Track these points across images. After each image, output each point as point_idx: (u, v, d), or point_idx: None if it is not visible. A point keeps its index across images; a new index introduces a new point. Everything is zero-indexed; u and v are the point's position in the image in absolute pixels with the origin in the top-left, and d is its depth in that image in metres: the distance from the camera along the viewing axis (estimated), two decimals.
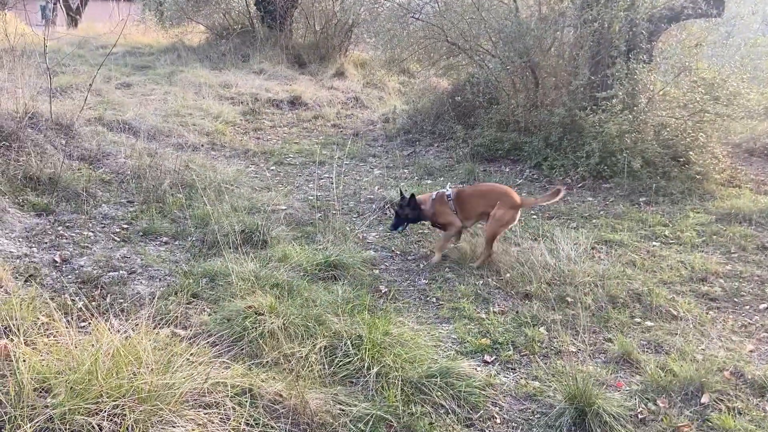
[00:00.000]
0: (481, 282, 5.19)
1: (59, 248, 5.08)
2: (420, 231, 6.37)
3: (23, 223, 5.39)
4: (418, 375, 3.59)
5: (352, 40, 15.86)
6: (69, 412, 2.66)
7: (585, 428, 3.31)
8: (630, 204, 7.29)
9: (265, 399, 3.08)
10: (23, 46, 8.39)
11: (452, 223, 5.69)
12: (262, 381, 3.21)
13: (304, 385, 3.24)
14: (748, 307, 4.93)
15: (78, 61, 13.16)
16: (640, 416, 3.45)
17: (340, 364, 3.63)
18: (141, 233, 5.67)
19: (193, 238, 5.58)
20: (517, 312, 4.67)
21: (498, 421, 3.41)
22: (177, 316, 3.93)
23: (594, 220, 6.78)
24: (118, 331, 3.11)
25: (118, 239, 5.50)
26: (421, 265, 5.57)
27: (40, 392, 2.77)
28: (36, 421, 2.60)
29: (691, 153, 7.75)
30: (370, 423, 3.17)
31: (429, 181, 8.02)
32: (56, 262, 4.81)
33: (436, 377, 3.59)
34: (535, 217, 6.88)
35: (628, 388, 3.73)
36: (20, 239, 5.10)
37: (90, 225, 5.68)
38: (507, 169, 8.65)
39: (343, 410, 3.22)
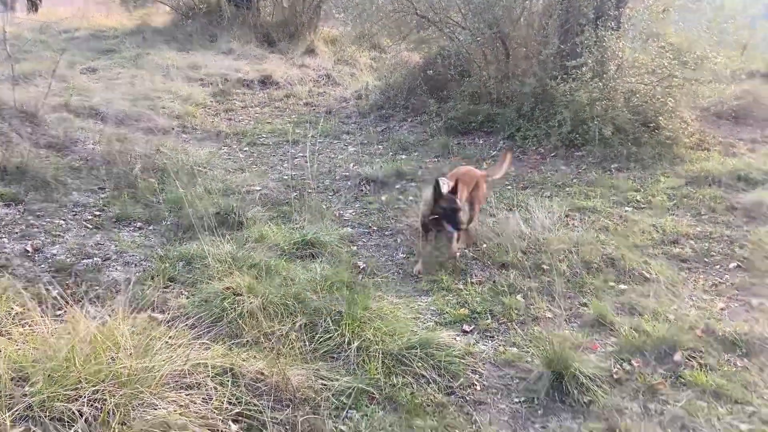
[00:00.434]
0: (458, 254, 5.24)
1: (30, 237, 4.99)
2: (396, 206, 6.38)
3: None
4: (399, 347, 3.63)
5: (321, 16, 15.62)
6: (48, 399, 2.64)
7: (562, 390, 3.39)
8: (602, 171, 7.37)
9: (246, 378, 3.09)
10: None
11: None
12: (243, 360, 3.22)
13: (285, 362, 3.26)
14: (718, 266, 5.05)
15: (40, 46, 12.77)
16: (615, 376, 3.54)
17: (321, 340, 3.65)
18: (114, 219, 5.60)
19: (168, 223, 5.53)
20: (494, 282, 4.73)
21: (478, 388, 3.47)
22: (154, 301, 3.91)
23: (567, 188, 6.85)
24: (95, 317, 3.08)
25: (91, 226, 5.42)
26: (399, 240, 5.59)
27: (18, 381, 2.75)
28: (14, 410, 2.59)
29: (660, 118, 7.83)
30: (352, 396, 3.21)
31: (403, 156, 8.02)
32: (28, 251, 4.73)
33: (417, 348, 3.64)
34: (509, 187, 6.93)
35: (603, 350, 3.82)
36: None
37: (61, 213, 5.59)
38: (481, 141, 8.67)
39: (325, 385, 3.25)
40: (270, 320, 3.67)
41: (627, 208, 6.28)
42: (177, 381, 2.78)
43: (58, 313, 3.63)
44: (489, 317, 4.23)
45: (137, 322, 3.22)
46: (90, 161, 6.85)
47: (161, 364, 2.83)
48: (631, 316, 4.18)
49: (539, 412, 3.28)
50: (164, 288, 4.19)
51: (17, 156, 6.08)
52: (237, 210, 5.50)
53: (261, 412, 2.92)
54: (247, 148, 8.37)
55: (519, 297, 4.49)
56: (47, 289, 3.98)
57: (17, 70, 8.22)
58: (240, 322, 3.63)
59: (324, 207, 6.13)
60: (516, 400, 3.38)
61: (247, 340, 3.47)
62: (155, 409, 2.57)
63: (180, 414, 2.56)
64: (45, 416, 2.57)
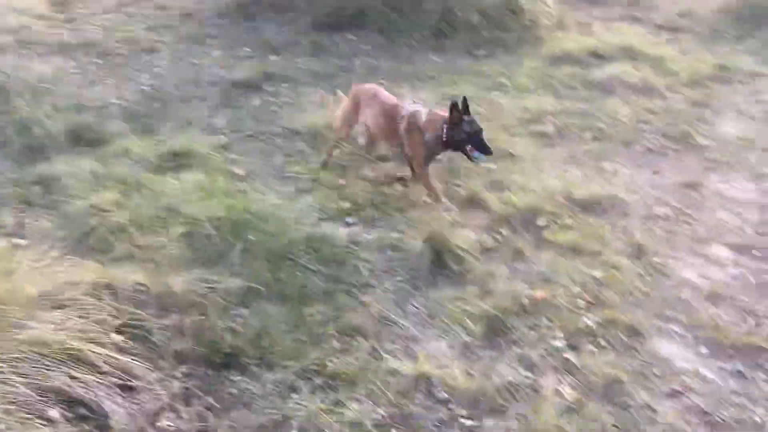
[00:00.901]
0: (337, 151, 5.23)
1: None
2: (270, 109, 6.18)
3: None
4: (283, 245, 3.66)
5: None
6: None
7: (442, 265, 3.59)
8: (470, 58, 7.51)
9: (126, 291, 3.00)
10: None
11: None
12: (120, 275, 3.11)
13: (165, 271, 3.19)
14: (576, 139, 5.43)
15: None
16: (487, 246, 3.80)
17: (202, 247, 3.59)
18: None
19: (17, 145, 5.02)
20: (374, 175, 4.81)
21: (364, 273, 3.60)
22: (13, 227, 3.62)
23: (438, 78, 6.95)
24: None
25: None
26: (276, 143, 5.48)
27: None
28: None
29: (522, 1, 8.02)
30: (240, 295, 3.23)
31: (273, 58, 7.69)
32: None
33: (301, 244, 3.68)
34: (383, 81, 6.91)
35: (477, 225, 4.06)
36: None
37: None
38: (353, 37, 8.46)
39: (211, 288, 3.23)
40: (144, 233, 3.54)
41: (495, 93, 6.49)
42: (50, 300, 2.64)
43: None
44: (371, 207, 4.33)
45: None
46: None
47: (30, 284, 2.66)
48: (500, 192, 4.43)
49: (422, 286, 3.47)
50: (22, 213, 3.87)
51: None
52: (94, 126, 5.09)
53: (146, 321, 2.87)
54: (98, 60, 7.63)
55: (398, 185, 4.61)
56: None
57: None
58: (110, 237, 3.46)
59: (191, 116, 5.82)
60: (400, 278, 3.55)
61: (121, 255, 3.34)
62: (30, 329, 2.44)
63: (57, 330, 2.46)
64: None
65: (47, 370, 2.38)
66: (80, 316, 2.60)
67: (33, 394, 2.28)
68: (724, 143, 5.32)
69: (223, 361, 2.79)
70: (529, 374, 2.79)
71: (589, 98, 6.24)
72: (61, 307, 2.62)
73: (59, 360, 2.43)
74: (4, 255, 2.96)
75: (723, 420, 2.56)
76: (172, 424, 2.44)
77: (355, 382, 2.73)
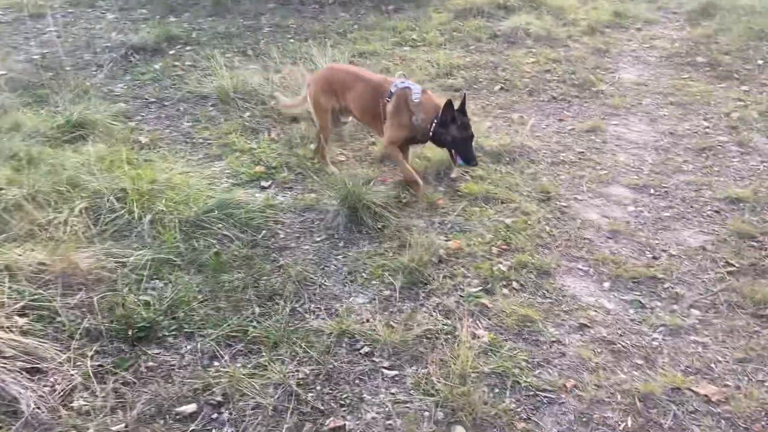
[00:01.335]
0: (247, 114, 5.09)
1: None
2: (173, 74, 5.91)
3: None
4: (195, 213, 3.55)
5: None
6: None
7: (359, 222, 3.61)
8: (380, 14, 7.45)
9: (25, 271, 2.84)
10: None
11: None
12: (18, 255, 2.93)
13: (68, 248, 3.03)
14: (485, 90, 5.54)
15: None
16: (403, 201, 3.84)
17: (107, 221, 3.43)
18: None
19: None
20: (287, 136, 4.72)
21: (281, 235, 3.57)
22: None
23: (348, 35, 6.85)
24: None
25: None
26: (182, 109, 5.26)
27: None
28: None
29: None
30: (152, 267, 3.12)
31: (173, 19, 7.32)
32: None
33: (215, 211, 3.59)
34: (291, 40, 6.74)
35: (393, 180, 4.09)
36: None
37: None
38: None
39: (120, 262, 3.10)
40: (42, 210, 3.33)
41: (405, 48, 6.49)
42: None
43: None
44: (285, 170, 4.26)
45: None
46: None
47: None
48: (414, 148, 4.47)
49: (340, 244, 3.48)
50: None
51: None
52: None
53: (50, 301, 2.73)
54: None
55: (312, 146, 4.55)
56: None
57: None
58: (5, 216, 3.24)
59: (88, 84, 5.48)
60: (318, 239, 3.54)
61: (19, 234, 3.14)
62: None
63: None
64: None
65: None
66: None
67: None
68: (622, 89, 5.57)
69: (137, 335, 2.70)
70: (447, 321, 2.88)
71: (496, 50, 6.36)
72: None
73: None
74: None
75: (625, 347, 2.75)
76: (86, 404, 2.36)
77: (278, 344, 2.73)
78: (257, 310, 2.94)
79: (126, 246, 3.26)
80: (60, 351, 2.58)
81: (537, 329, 2.84)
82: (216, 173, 4.21)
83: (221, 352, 2.67)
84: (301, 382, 2.54)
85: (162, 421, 2.34)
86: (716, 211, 3.75)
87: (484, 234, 3.51)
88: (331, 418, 2.38)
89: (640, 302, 3.03)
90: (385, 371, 2.62)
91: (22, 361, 2.44)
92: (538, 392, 2.51)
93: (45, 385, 2.43)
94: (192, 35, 6.82)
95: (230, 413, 2.40)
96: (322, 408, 2.43)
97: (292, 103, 4.57)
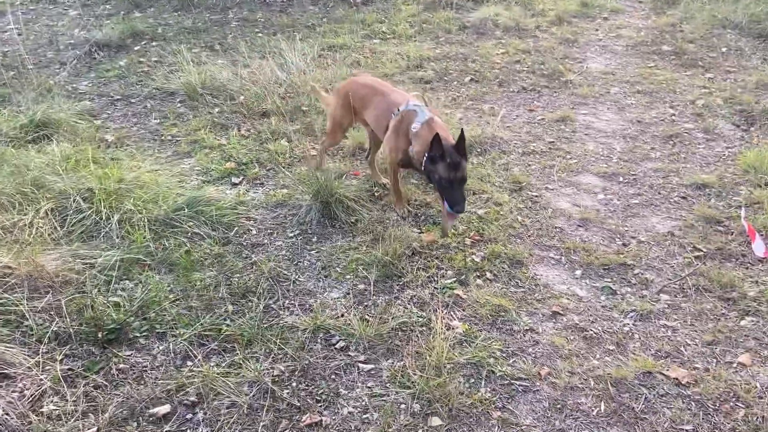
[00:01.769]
0: (216, 110, 5.03)
1: None
2: (139, 70, 5.80)
3: None
4: (165, 211, 3.50)
5: None
6: None
7: (332, 216, 3.59)
8: (348, 7, 7.41)
9: None
10: None
11: None
12: None
13: (34, 250, 2.96)
14: (455, 82, 5.55)
15: None
16: (376, 194, 3.84)
17: (74, 222, 3.35)
18: None
19: None
20: (258, 131, 4.68)
21: (254, 232, 3.53)
22: None
23: (317, 29, 6.80)
24: None
25: None
26: (149, 106, 5.17)
27: None
28: None
29: None
30: (121, 268, 3.07)
31: (138, 14, 7.19)
32: None
33: (185, 209, 3.54)
34: (260, 34, 6.67)
35: (364, 174, 4.08)
36: None
37: None
38: None
39: (88, 263, 3.04)
40: (6, 212, 3.25)
41: (375, 41, 6.47)
42: None
43: None
44: (256, 166, 4.22)
45: None
46: None
47: None
48: None
49: (314, 239, 3.46)
50: None
51: None
52: None
53: (17, 305, 2.67)
54: None
55: (283, 141, 4.52)
56: None
57: None
58: None
59: (51, 82, 5.36)
60: (291, 234, 3.51)
61: None
62: None
63: None
64: None
65: None
66: None
67: None
68: (590, 78, 5.64)
69: (108, 337, 2.65)
70: (422, 313, 2.88)
71: (465, 41, 6.37)
72: None
73: None
74: None
75: (597, 333, 2.79)
76: (57, 408, 2.32)
77: (252, 342, 2.71)
78: (230, 308, 2.91)
79: (94, 247, 3.19)
80: (28, 356, 2.52)
81: (511, 318, 2.87)
82: (185, 170, 4.15)
83: (194, 352, 2.63)
84: (277, 379, 2.52)
85: (135, 424, 2.31)
86: (683, 197, 3.82)
87: (457, 225, 3.52)
88: (308, 414, 2.37)
89: (611, 289, 3.07)
90: (361, 365, 2.62)
91: None
92: (513, 381, 2.54)
93: (13, 391, 2.38)
94: (158, 31, 6.71)
95: (205, 413, 2.37)
96: (298, 404, 2.42)
97: (325, 98, 4.16)
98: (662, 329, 2.81)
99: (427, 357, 2.58)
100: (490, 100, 5.22)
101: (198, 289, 3.00)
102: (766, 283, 3.03)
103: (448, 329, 2.76)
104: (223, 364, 2.59)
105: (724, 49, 6.06)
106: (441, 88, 5.41)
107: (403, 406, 2.41)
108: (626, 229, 3.54)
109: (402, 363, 2.61)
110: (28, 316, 2.66)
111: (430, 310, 2.90)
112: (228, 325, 2.78)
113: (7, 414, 2.26)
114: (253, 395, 2.45)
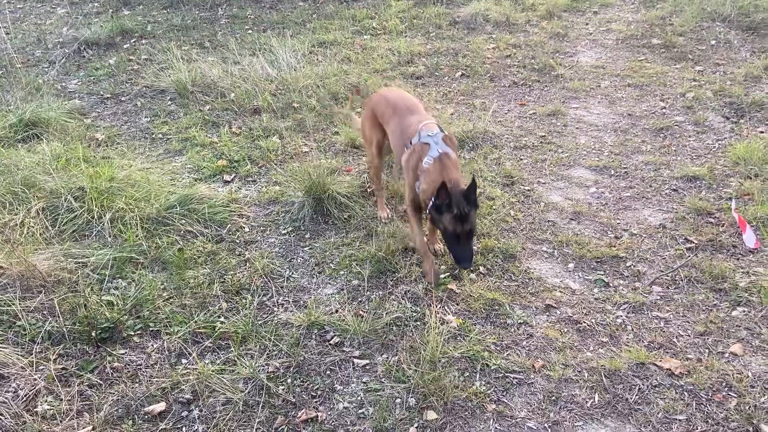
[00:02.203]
0: (207, 107, 5.01)
1: None
2: (129, 68, 5.77)
3: None
4: (157, 210, 3.48)
5: None
6: None
7: (324, 213, 3.59)
8: (339, 3, 7.39)
9: None
10: None
11: None
12: None
13: (26, 250, 2.95)
14: (447, 78, 5.55)
15: None
16: (369, 189, 3.83)
17: (65, 221, 3.34)
18: None
19: None
20: (249, 129, 4.66)
21: (246, 229, 3.53)
22: None
23: (308, 25, 6.79)
24: None
25: None
26: (139, 104, 5.15)
27: None
28: None
29: None
30: (114, 266, 3.05)
31: (127, 12, 7.14)
32: None
33: (177, 207, 3.53)
34: (250, 32, 6.64)
35: (357, 170, 4.08)
36: None
37: None
38: None
39: (80, 263, 3.03)
40: None
41: (365, 37, 6.46)
42: None
43: None
44: (248, 163, 4.21)
45: None
46: None
47: None
48: None
49: (307, 236, 3.46)
50: None
51: None
52: None
53: (9, 305, 2.65)
54: None
55: (275, 138, 4.51)
56: None
57: None
58: None
59: (40, 81, 5.32)
60: (284, 231, 3.51)
61: None
62: None
63: None
64: None
65: None
66: None
67: None
68: (581, 72, 5.65)
69: (101, 336, 2.64)
70: (416, 308, 2.89)
71: (456, 37, 6.37)
72: None
73: None
74: None
75: (590, 325, 2.81)
76: (51, 408, 2.31)
77: (247, 338, 2.70)
78: (224, 305, 2.90)
79: (86, 246, 3.18)
80: (22, 355, 2.51)
81: (504, 312, 2.88)
82: (177, 168, 4.14)
83: (189, 350, 2.63)
84: (272, 376, 2.52)
85: (131, 422, 2.30)
86: (674, 190, 3.84)
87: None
88: (303, 410, 2.38)
89: (604, 281, 3.09)
90: (356, 360, 2.62)
91: None
92: (507, 374, 2.55)
93: (7, 391, 2.37)
94: (147, 28, 6.67)
95: (200, 410, 2.37)
96: (294, 400, 2.42)
97: (356, 121, 3.92)
98: (655, 321, 2.83)
99: (422, 351, 2.59)
100: (481, 95, 5.22)
101: (191, 287, 2.99)
102: (757, 274, 3.05)
103: (442, 323, 2.77)
104: (218, 362, 2.58)
105: (713, 42, 6.09)
106: (432, 84, 5.41)
107: (398, 400, 2.42)
108: (618, 221, 3.56)
109: (397, 358, 2.61)
110: (20, 316, 2.65)
111: (424, 305, 2.90)
112: (222, 323, 2.78)
113: (1, 414, 2.25)
114: (249, 392, 2.44)
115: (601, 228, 3.51)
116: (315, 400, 2.43)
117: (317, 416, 2.35)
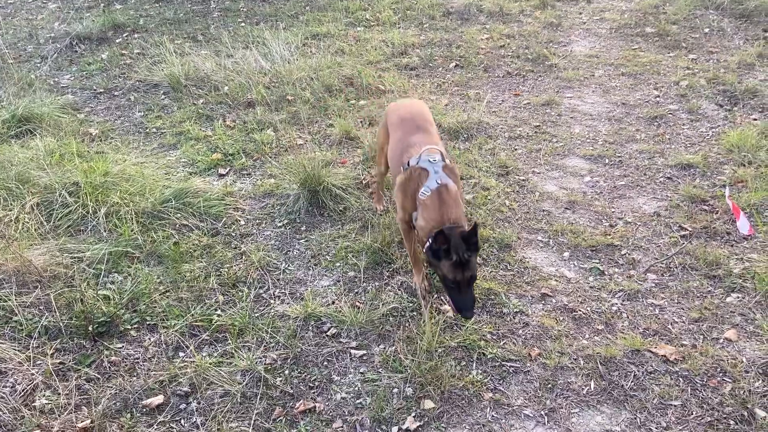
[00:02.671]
0: (201, 101, 5.00)
1: None
2: (121, 63, 5.74)
3: None
4: (152, 204, 3.48)
5: None
6: None
7: (320, 205, 3.59)
8: None
9: None
10: None
11: None
12: None
13: (21, 246, 2.94)
14: (440, 68, 5.54)
15: None
16: (364, 182, 3.84)
17: (60, 216, 3.33)
18: None
19: None
20: (243, 122, 4.65)
21: (242, 222, 3.53)
22: None
23: (301, 17, 6.76)
24: None
25: None
26: (132, 98, 5.13)
27: None
28: None
29: None
30: (110, 261, 3.05)
31: (118, 6, 7.10)
32: None
33: (172, 201, 3.52)
34: (243, 25, 6.61)
35: (352, 162, 4.08)
36: None
37: None
38: None
39: (76, 257, 3.03)
40: None
41: (359, 29, 6.44)
42: None
43: None
44: (243, 156, 4.21)
45: None
46: None
47: None
48: (372, 127, 4.47)
49: (302, 228, 3.46)
50: None
51: None
52: None
53: (5, 300, 2.65)
54: None
55: (269, 131, 4.50)
56: None
57: None
58: None
59: (32, 76, 5.29)
60: (280, 224, 3.51)
61: None
62: None
63: None
64: None
65: None
66: None
67: None
68: (575, 62, 5.65)
69: (98, 330, 2.64)
70: (412, 299, 2.90)
71: (449, 27, 6.36)
72: None
73: None
74: None
75: (586, 313, 2.82)
76: (49, 402, 2.31)
77: (244, 331, 2.71)
78: (221, 298, 2.91)
79: (81, 241, 3.18)
80: (18, 350, 2.51)
81: (500, 301, 2.89)
82: (172, 162, 4.13)
83: (186, 343, 2.63)
84: (269, 368, 2.53)
85: (129, 415, 2.31)
86: (669, 178, 3.85)
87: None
88: (301, 401, 2.39)
89: (599, 269, 3.10)
90: (353, 351, 2.63)
91: None
92: (503, 362, 2.56)
93: (5, 386, 2.37)
94: (139, 22, 6.64)
95: (199, 403, 2.38)
96: (291, 391, 2.43)
97: None
98: (650, 308, 2.85)
99: (419, 341, 2.60)
100: (475, 85, 5.22)
101: (188, 281, 3.00)
102: (750, 260, 3.07)
103: (438, 314, 2.78)
104: (216, 354, 2.59)
105: (706, 30, 6.09)
106: (426, 75, 5.40)
107: (395, 390, 2.43)
108: (613, 210, 3.57)
109: (393, 348, 2.62)
110: (17, 311, 2.65)
111: (420, 295, 2.91)
112: (219, 316, 2.78)
113: None
114: (246, 384, 2.45)
115: (596, 217, 3.52)
116: (312, 391, 2.44)
117: (315, 407, 2.36)
